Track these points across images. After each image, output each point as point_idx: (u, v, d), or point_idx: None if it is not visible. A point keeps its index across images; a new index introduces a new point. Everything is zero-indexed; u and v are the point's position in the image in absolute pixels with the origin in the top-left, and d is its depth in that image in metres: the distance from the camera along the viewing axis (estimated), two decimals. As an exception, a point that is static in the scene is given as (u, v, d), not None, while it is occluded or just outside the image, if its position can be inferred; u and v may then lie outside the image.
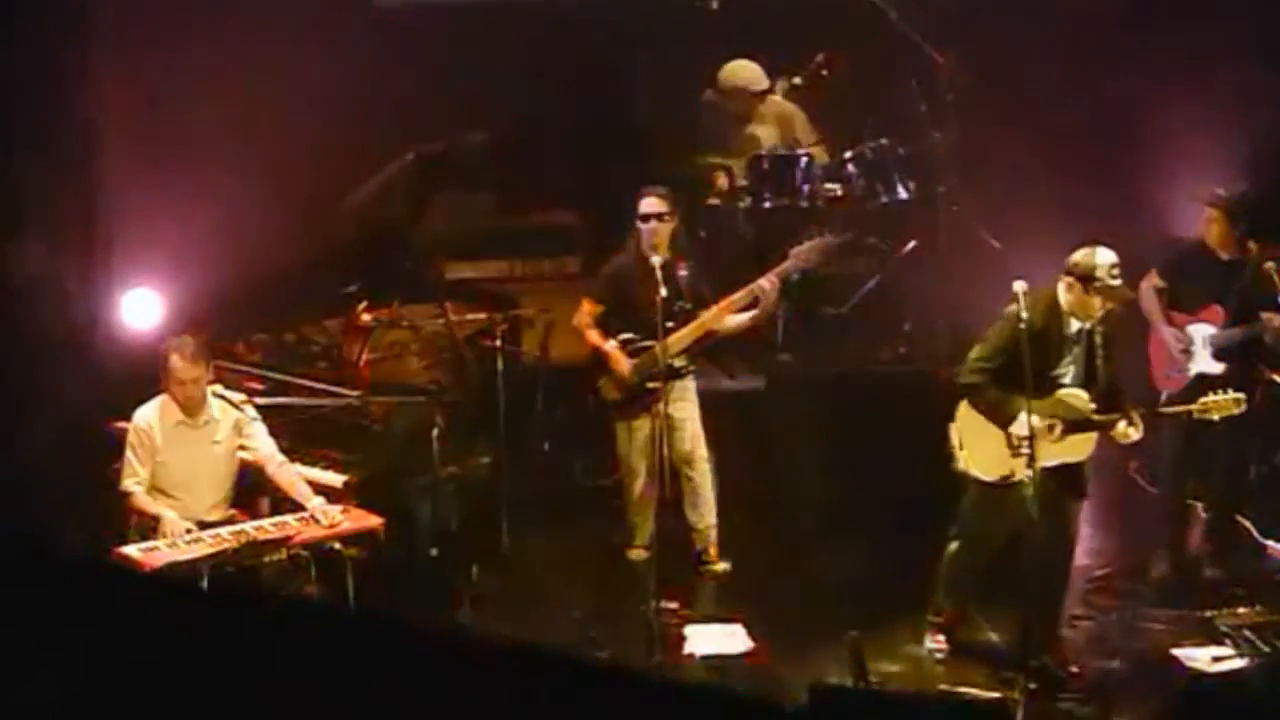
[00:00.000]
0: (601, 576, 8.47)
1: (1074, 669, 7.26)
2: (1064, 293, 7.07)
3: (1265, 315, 7.89)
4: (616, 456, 8.46)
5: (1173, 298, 8.18)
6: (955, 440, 7.28)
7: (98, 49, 8.20)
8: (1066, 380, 7.12)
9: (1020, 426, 6.99)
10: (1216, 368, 8.00)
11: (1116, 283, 7.01)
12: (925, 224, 9.86)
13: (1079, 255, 7.03)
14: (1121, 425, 7.04)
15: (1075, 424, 7.07)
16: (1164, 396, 8.15)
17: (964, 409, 7.26)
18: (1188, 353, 8.08)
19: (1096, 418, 7.08)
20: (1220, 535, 8.30)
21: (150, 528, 7.25)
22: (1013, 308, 6.98)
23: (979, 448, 7.21)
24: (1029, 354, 6.88)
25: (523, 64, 10.47)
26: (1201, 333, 8.08)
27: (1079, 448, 7.13)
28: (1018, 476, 7.05)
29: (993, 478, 7.19)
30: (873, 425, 8.84)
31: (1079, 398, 7.09)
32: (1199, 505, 8.46)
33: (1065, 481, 7.14)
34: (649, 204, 8.24)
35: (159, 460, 7.36)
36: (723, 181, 9.96)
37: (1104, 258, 6.99)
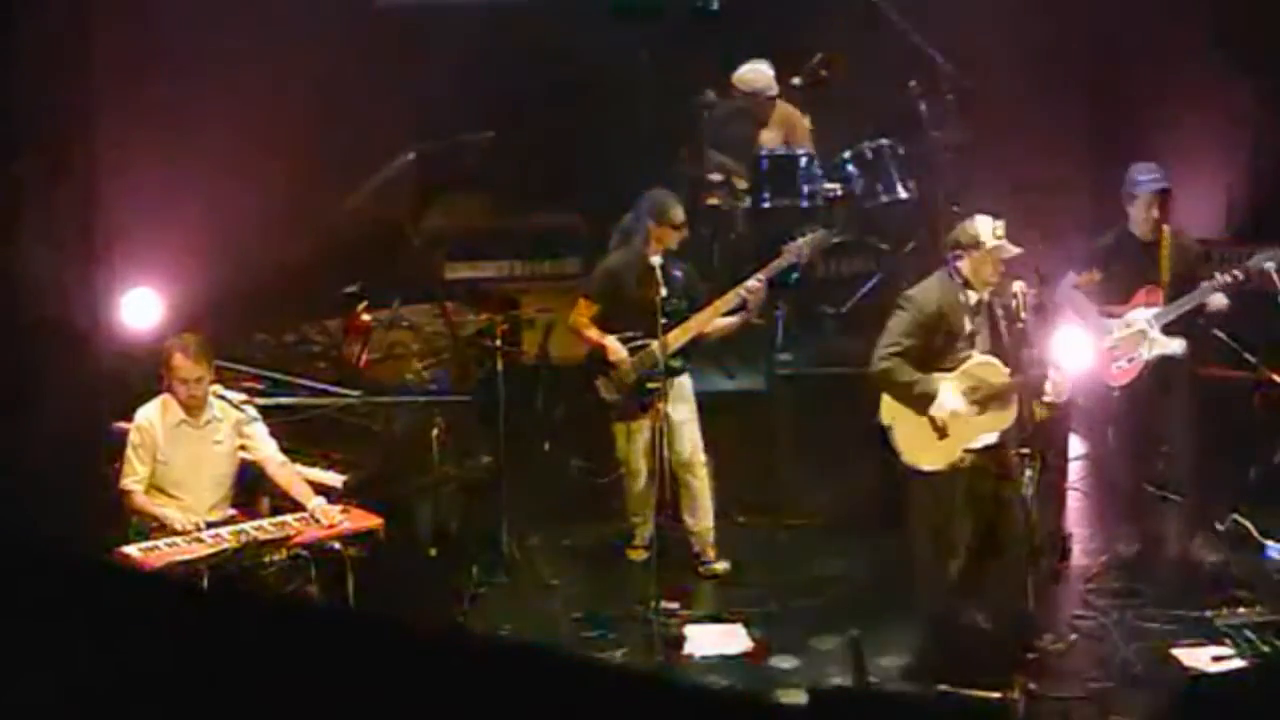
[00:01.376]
0: (601, 576, 8.47)
1: (1064, 643, 7.34)
2: (957, 268, 7.26)
3: (1218, 275, 7.94)
4: (615, 457, 8.45)
5: (1105, 292, 8.20)
6: (893, 440, 7.36)
7: (98, 50, 8.20)
8: (975, 352, 7.23)
9: (938, 410, 7.16)
10: (1174, 345, 8.05)
11: (1002, 241, 7.18)
12: (925, 224, 9.87)
13: (962, 227, 7.28)
14: (1046, 385, 7.16)
15: (993, 393, 7.18)
16: (1116, 390, 8.18)
17: (886, 406, 7.36)
18: (1140, 338, 8.10)
19: (1009, 380, 7.19)
20: (1203, 531, 8.32)
21: (150, 527, 7.26)
22: (910, 292, 7.30)
23: (912, 440, 7.31)
24: (937, 335, 7.18)
25: (523, 64, 10.47)
26: (1144, 315, 8.12)
27: (999, 419, 7.23)
28: (962, 460, 7.21)
29: (934, 467, 7.25)
30: (872, 425, 8.83)
31: (991, 365, 7.17)
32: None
33: (1002, 465, 7.24)
34: (679, 213, 8.26)
35: (160, 460, 7.36)
36: (723, 182, 9.96)
37: (986, 222, 7.21)
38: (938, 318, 7.23)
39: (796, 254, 8.40)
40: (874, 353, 7.38)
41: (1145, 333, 8.10)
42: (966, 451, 7.25)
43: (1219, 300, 8.05)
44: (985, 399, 7.21)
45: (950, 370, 7.26)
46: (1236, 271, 7.96)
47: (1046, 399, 7.27)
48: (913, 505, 7.45)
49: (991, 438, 7.24)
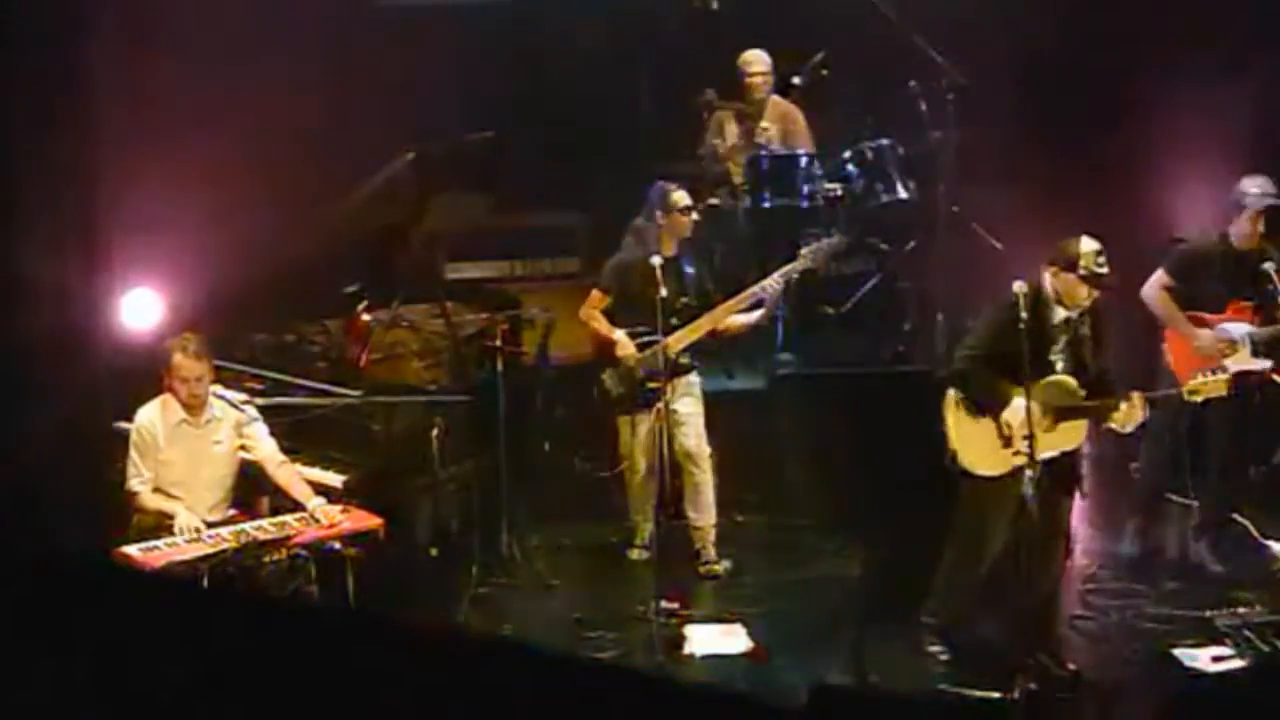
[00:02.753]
0: (601, 576, 8.47)
1: (1072, 667, 7.27)
2: (1050, 281, 7.12)
3: None
4: (618, 453, 8.46)
5: (1191, 297, 8.12)
6: (952, 442, 7.28)
7: (98, 49, 8.20)
8: (1057, 368, 7.16)
9: (1012, 415, 7.03)
10: (1260, 364, 8.02)
11: (1102, 270, 7.06)
12: (925, 224, 9.87)
13: (1064, 244, 7.10)
14: (1123, 408, 7.03)
15: (1067, 410, 7.09)
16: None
17: (952, 405, 7.28)
18: (1230, 350, 8.05)
19: (1088, 403, 7.11)
20: (1215, 532, 8.31)
21: (151, 527, 7.26)
22: (1004, 298, 7.07)
23: (972, 443, 7.23)
24: (1021, 344, 6.92)
25: (523, 63, 10.47)
26: (1238, 331, 8.06)
27: (1068, 436, 7.14)
28: (1016, 468, 7.07)
29: (991, 473, 7.20)
30: (873, 425, 8.84)
31: (1068, 383, 7.12)
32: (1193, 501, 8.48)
33: (1057, 476, 7.14)
34: (683, 196, 8.29)
35: (160, 459, 7.37)
36: (723, 181, 9.96)
37: (1088, 245, 7.06)
38: (1025, 322, 6.98)
39: (811, 260, 8.39)
40: (955, 350, 7.33)
41: (1237, 347, 8.04)
42: (1030, 464, 7.14)
43: None
44: (1061, 417, 7.09)
45: (1027, 382, 7.05)
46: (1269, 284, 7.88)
47: (1113, 426, 7.14)
48: (959, 507, 7.38)
49: (1055, 452, 7.16)
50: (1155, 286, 8.15)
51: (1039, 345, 7.08)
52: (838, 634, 7.56)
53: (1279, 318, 8.03)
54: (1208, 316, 8.10)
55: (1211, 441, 8.25)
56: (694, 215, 8.37)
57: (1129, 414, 7.04)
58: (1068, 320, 7.13)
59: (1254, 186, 8.08)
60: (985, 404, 7.15)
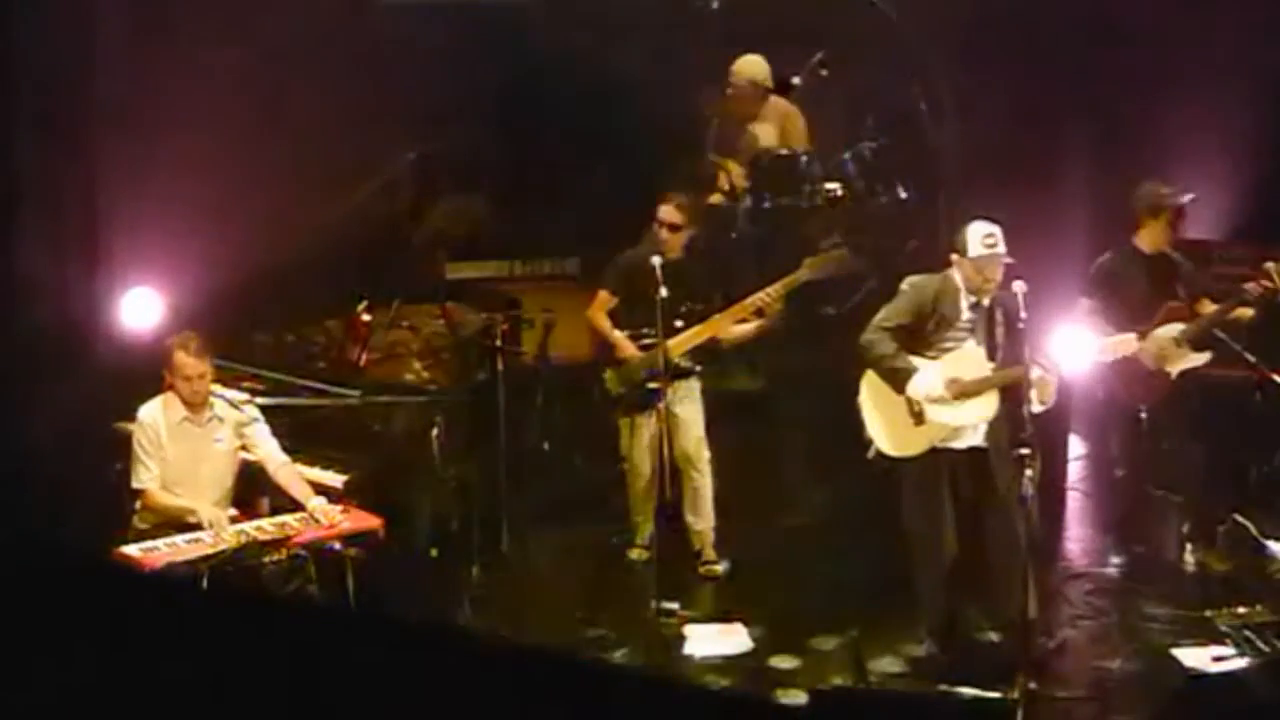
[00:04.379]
0: (601, 576, 8.47)
1: (1051, 645, 7.31)
2: (956, 272, 7.25)
3: (1248, 286, 7.90)
4: (619, 453, 8.45)
5: (1118, 312, 8.09)
6: (869, 427, 7.36)
7: (99, 49, 8.21)
8: (964, 348, 7.24)
9: (915, 388, 7.13)
10: (1201, 359, 8.04)
11: (991, 251, 7.11)
12: (925, 224, 9.87)
13: (960, 231, 7.22)
14: (1035, 375, 7.00)
15: (973, 383, 7.14)
16: (1144, 411, 8.18)
17: (863, 393, 7.36)
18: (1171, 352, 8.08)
19: (991, 374, 7.16)
20: (1214, 532, 8.32)
21: (151, 526, 7.26)
22: (912, 279, 7.34)
23: (887, 427, 7.31)
24: (930, 320, 7.17)
25: (523, 64, 10.47)
26: (1169, 333, 8.07)
27: (981, 407, 7.17)
28: (939, 442, 7.19)
29: (909, 453, 7.25)
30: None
31: (974, 356, 7.17)
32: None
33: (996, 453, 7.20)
34: (664, 212, 8.27)
35: (162, 456, 7.37)
36: (723, 181, 9.96)
37: (975, 229, 7.16)
38: (933, 304, 7.22)
39: (817, 271, 8.36)
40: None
41: (1174, 350, 8.05)
42: (949, 451, 7.22)
43: (1244, 312, 8.01)
44: (965, 389, 7.17)
45: (935, 357, 7.23)
46: (1266, 281, 7.89)
47: (1033, 406, 7.13)
48: (902, 506, 7.41)
49: (976, 438, 7.20)
50: (1079, 312, 8.14)
51: (948, 320, 7.21)
52: (838, 634, 7.56)
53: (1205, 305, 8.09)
54: (1142, 327, 8.09)
55: (1209, 442, 8.25)
56: (667, 233, 8.27)
57: (1038, 392, 7.02)
58: (975, 304, 7.20)
59: (1165, 189, 8.12)
60: (889, 374, 7.23)
